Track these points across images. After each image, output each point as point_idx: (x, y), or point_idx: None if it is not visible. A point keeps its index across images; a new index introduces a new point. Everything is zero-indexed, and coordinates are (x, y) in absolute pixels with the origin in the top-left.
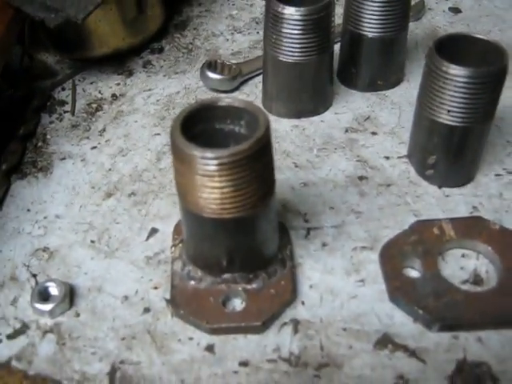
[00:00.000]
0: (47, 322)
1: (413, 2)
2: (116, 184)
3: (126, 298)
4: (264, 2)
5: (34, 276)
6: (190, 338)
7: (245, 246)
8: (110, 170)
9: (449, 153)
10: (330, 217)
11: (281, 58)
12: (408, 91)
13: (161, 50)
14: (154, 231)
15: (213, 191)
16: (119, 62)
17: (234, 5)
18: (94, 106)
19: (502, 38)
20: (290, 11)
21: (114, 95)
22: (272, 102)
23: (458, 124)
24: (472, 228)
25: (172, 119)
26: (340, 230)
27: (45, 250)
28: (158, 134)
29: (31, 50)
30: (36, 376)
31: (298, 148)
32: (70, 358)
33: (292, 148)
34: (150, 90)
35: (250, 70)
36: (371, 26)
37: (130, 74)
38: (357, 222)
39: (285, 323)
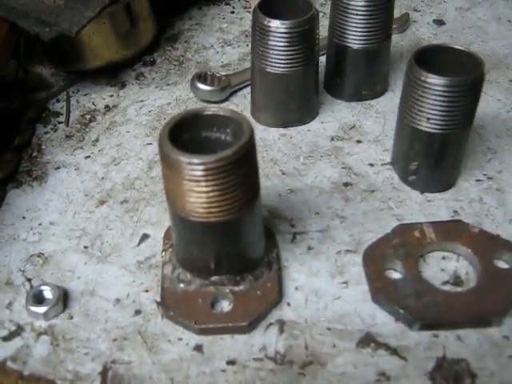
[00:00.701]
0: (41, 324)
1: (398, 15)
2: (109, 192)
3: (118, 300)
4: None
5: (29, 280)
6: (180, 339)
7: (232, 249)
8: (102, 178)
9: (430, 159)
10: (315, 222)
11: (268, 70)
12: (392, 100)
13: (153, 63)
14: (145, 237)
15: (199, 196)
16: (112, 74)
17: (224, 18)
18: (88, 116)
19: (484, 49)
20: (276, 24)
21: (107, 106)
22: (260, 112)
23: (437, 131)
24: (452, 231)
25: None
26: (325, 234)
27: (39, 255)
28: (150, 144)
29: (26, 63)
30: (31, 376)
31: (285, 156)
32: (63, 358)
33: (279, 156)
34: (142, 101)
35: (239, 81)
36: (355, 38)
37: (123, 85)
38: (341, 227)
39: (271, 323)
